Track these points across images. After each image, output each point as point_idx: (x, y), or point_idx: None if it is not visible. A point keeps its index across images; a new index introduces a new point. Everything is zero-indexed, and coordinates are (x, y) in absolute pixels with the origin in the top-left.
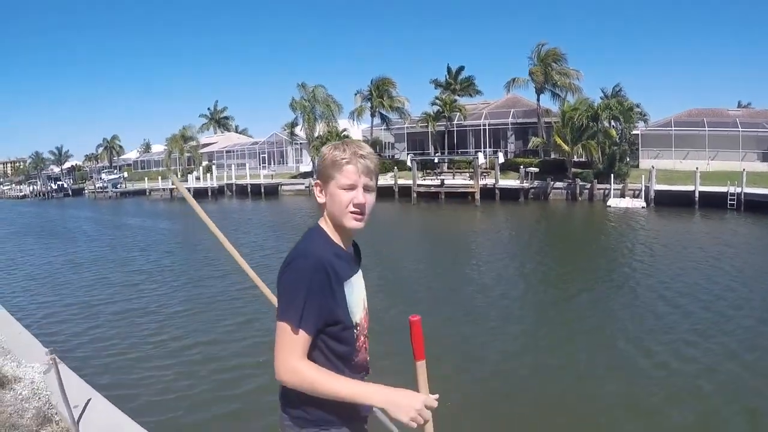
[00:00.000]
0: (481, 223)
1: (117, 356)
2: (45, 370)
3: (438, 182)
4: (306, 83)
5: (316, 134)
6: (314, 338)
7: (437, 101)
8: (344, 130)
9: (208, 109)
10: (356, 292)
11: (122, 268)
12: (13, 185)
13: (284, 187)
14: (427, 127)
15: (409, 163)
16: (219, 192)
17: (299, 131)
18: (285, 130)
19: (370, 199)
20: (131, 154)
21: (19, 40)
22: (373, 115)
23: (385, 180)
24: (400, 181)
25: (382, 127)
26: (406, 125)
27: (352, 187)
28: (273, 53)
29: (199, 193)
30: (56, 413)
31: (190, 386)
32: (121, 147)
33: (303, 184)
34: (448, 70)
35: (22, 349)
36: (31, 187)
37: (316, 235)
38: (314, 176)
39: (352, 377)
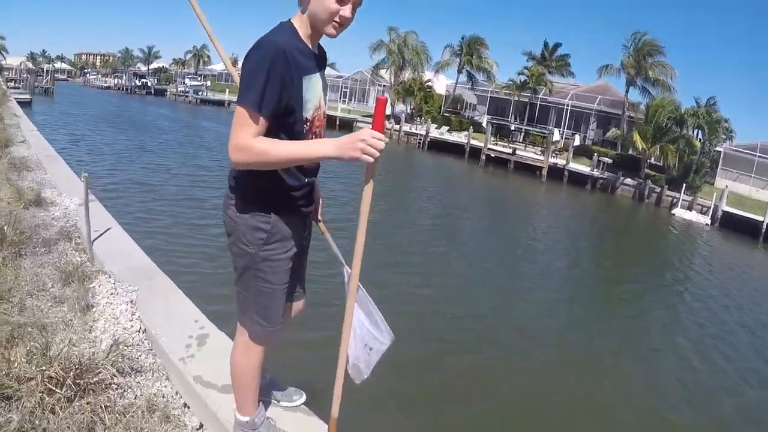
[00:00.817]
0: (544, 199)
1: (144, 205)
2: (80, 203)
3: (509, 150)
4: (396, 27)
5: (400, 79)
6: (268, 126)
7: (525, 71)
8: (428, 81)
9: None
10: (313, 89)
11: (185, 160)
12: (99, 76)
13: (359, 123)
14: (510, 94)
15: (484, 125)
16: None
17: (384, 73)
18: (371, 70)
19: (353, 16)
20: (217, 66)
21: None
22: (459, 72)
23: (459, 138)
24: (473, 142)
25: (467, 86)
26: (490, 89)
27: (345, 2)
28: None
29: None
30: (78, 234)
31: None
32: (209, 57)
33: None
34: (545, 44)
35: (68, 186)
36: (115, 81)
37: (286, 28)
38: None
39: (303, 170)
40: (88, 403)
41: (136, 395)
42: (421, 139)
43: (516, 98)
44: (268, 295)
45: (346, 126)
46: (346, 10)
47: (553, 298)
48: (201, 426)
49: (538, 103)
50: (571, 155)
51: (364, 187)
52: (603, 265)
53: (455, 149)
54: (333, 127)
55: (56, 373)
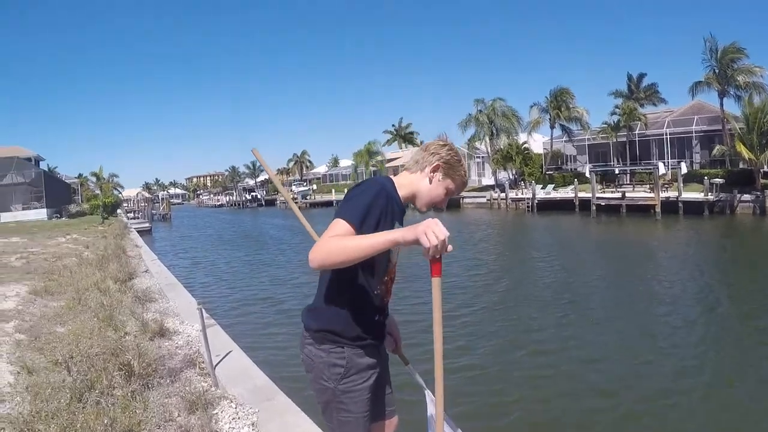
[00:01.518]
0: (662, 238)
1: (263, 321)
2: (200, 330)
3: (618, 195)
4: (483, 98)
5: (497, 147)
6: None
7: (617, 110)
8: (525, 143)
9: (393, 125)
10: None
11: (303, 270)
12: (211, 195)
13: (466, 200)
14: (607, 137)
15: (587, 175)
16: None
17: (480, 145)
18: (466, 144)
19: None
20: (320, 169)
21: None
22: (552, 127)
23: (566, 193)
24: (581, 194)
25: (563, 139)
26: (586, 136)
27: (449, 195)
28: (455, 68)
29: None
30: (201, 360)
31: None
32: (310, 162)
33: (484, 197)
34: (629, 77)
35: (189, 314)
36: (227, 198)
37: (389, 181)
38: (438, 158)
39: (374, 309)
40: None
41: None
42: (528, 203)
43: (614, 140)
44: (351, 424)
45: (452, 204)
46: (444, 203)
47: (697, 355)
48: None
49: (637, 139)
50: (681, 185)
51: (432, 286)
52: (745, 299)
53: (565, 205)
54: (440, 209)
55: None
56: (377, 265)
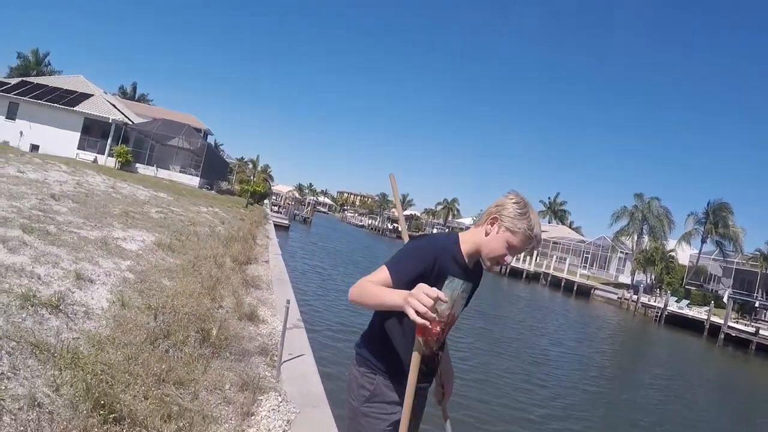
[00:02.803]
0: None
1: (343, 338)
2: (288, 327)
3: (752, 329)
4: (642, 193)
5: (642, 247)
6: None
7: None
8: (671, 250)
9: (548, 198)
10: (451, 291)
11: None
12: (356, 214)
13: (597, 292)
14: (758, 266)
15: (725, 300)
16: (533, 277)
17: (626, 240)
18: (614, 236)
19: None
20: (466, 220)
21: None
22: (703, 242)
23: (699, 313)
24: (713, 319)
25: (711, 256)
26: (736, 260)
27: (513, 250)
28: (619, 159)
29: (515, 273)
30: (275, 352)
31: None
32: (458, 211)
33: (617, 294)
34: None
35: (284, 311)
36: (369, 221)
37: (453, 238)
38: (499, 209)
39: (414, 350)
40: None
41: None
42: (658, 312)
43: (763, 270)
44: None
45: (582, 292)
46: (510, 258)
47: None
48: None
49: None
50: None
51: (412, 355)
52: None
53: (693, 326)
54: (570, 293)
55: None
56: None
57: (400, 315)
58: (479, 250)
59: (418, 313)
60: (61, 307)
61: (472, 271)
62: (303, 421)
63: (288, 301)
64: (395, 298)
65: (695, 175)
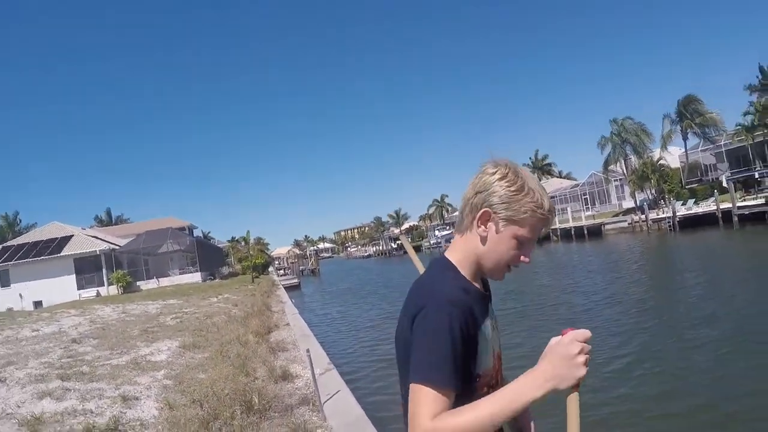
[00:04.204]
0: None
1: (372, 366)
2: (320, 373)
3: (762, 201)
4: (617, 118)
5: (632, 168)
6: None
7: (750, 109)
8: (660, 159)
9: (530, 158)
10: (486, 342)
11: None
12: (359, 247)
13: (607, 227)
14: (744, 140)
15: (725, 184)
16: (544, 237)
17: (616, 167)
18: (603, 168)
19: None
20: None
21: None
22: (684, 139)
23: (708, 206)
24: (722, 205)
25: (699, 149)
26: (723, 142)
27: (526, 242)
28: (590, 89)
29: None
30: (315, 398)
31: None
32: (450, 205)
33: (626, 221)
34: (761, 70)
35: (315, 362)
36: (374, 248)
37: (448, 270)
38: (482, 199)
39: None
40: None
41: None
42: (670, 222)
43: (751, 141)
44: None
45: (594, 233)
46: (526, 256)
47: None
48: None
49: None
50: None
51: (567, 401)
52: None
53: (708, 219)
54: (583, 238)
55: None
56: (473, 376)
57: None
58: (481, 264)
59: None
60: (119, 428)
61: (486, 292)
62: None
63: (308, 350)
64: (525, 395)
65: (663, 84)
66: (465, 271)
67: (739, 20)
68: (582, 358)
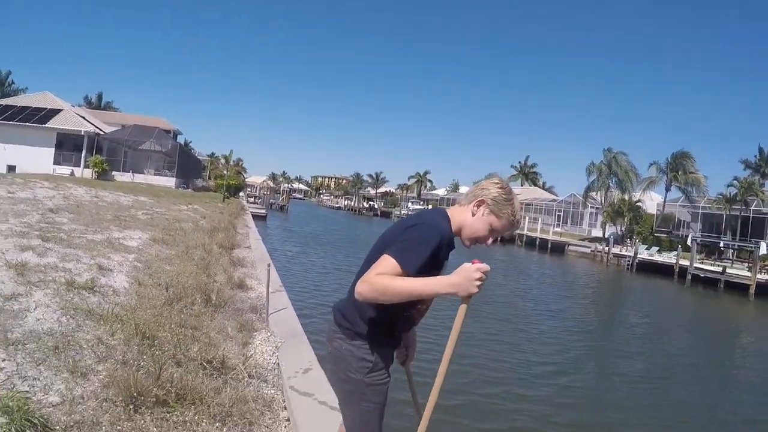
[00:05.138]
0: (744, 319)
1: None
2: (271, 292)
3: (719, 269)
4: (612, 148)
5: (610, 200)
6: None
7: (735, 183)
8: (638, 201)
9: (519, 162)
10: (440, 269)
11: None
12: (332, 197)
13: (571, 247)
14: (722, 209)
15: (689, 242)
16: (509, 239)
17: (596, 195)
18: (584, 192)
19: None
20: (440, 191)
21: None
22: (667, 189)
23: (669, 258)
24: (682, 262)
25: (678, 203)
26: (701, 204)
27: (494, 233)
28: (588, 120)
29: None
30: (264, 309)
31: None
32: (431, 182)
33: (590, 247)
34: (760, 150)
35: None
36: (345, 202)
37: (445, 217)
38: (486, 193)
39: (402, 325)
40: (222, 378)
41: (255, 389)
42: (630, 261)
43: (727, 212)
44: (372, 413)
45: (557, 249)
46: (489, 241)
47: None
48: (288, 419)
49: (751, 215)
50: None
51: (459, 308)
52: None
53: (665, 270)
54: (545, 251)
55: (212, 357)
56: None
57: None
58: (461, 228)
59: (478, 288)
60: (95, 288)
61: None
62: (287, 345)
63: (269, 264)
64: (435, 287)
65: (660, 132)
66: (453, 227)
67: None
68: (478, 282)
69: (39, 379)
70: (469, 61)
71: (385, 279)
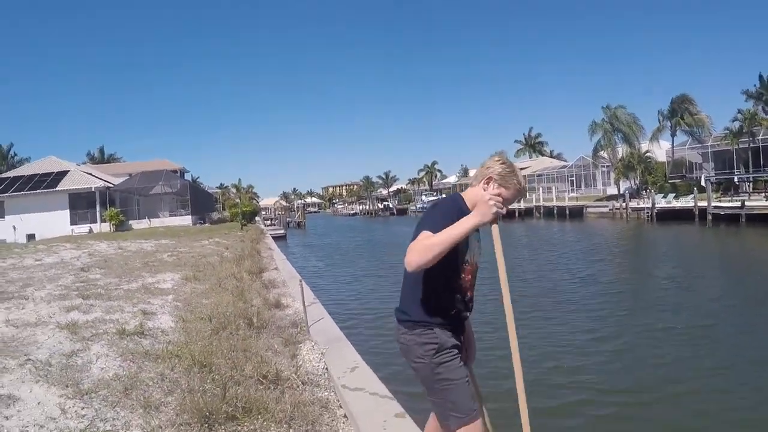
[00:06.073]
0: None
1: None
2: (307, 305)
3: (738, 203)
4: (610, 105)
5: (619, 156)
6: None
7: (738, 115)
8: (647, 151)
9: (524, 134)
10: (470, 243)
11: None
12: (346, 204)
13: (588, 210)
14: (730, 144)
15: (702, 183)
16: (527, 213)
17: (604, 154)
18: (592, 153)
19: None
20: (450, 179)
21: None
22: (673, 135)
23: (687, 202)
24: (701, 203)
25: (687, 146)
26: (709, 143)
27: (506, 202)
28: (585, 79)
29: (508, 214)
30: (303, 323)
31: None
32: (440, 171)
33: (607, 206)
34: (760, 78)
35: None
36: (360, 207)
37: (461, 199)
38: (491, 171)
39: (456, 300)
40: (279, 389)
41: (310, 393)
42: (648, 212)
43: (736, 146)
44: (455, 390)
45: (575, 214)
46: (504, 210)
47: None
48: (345, 416)
49: (760, 145)
50: None
51: (492, 231)
52: None
53: (685, 215)
54: (564, 218)
55: (266, 371)
56: (453, 263)
57: (440, 268)
58: (477, 205)
59: (497, 209)
60: (145, 332)
61: None
62: (331, 350)
63: (301, 280)
64: (466, 224)
65: (661, 77)
66: (468, 205)
67: (746, 22)
68: (493, 203)
69: (118, 419)
70: (461, 43)
71: (424, 240)
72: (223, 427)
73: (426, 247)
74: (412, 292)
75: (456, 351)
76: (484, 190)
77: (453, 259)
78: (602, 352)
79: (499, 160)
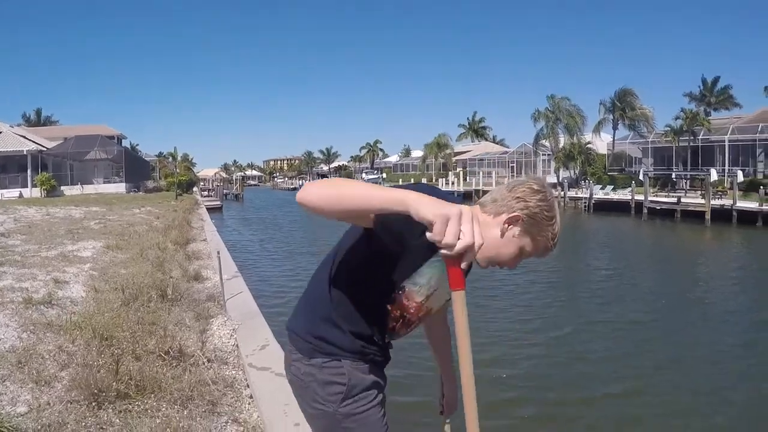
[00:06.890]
0: (707, 246)
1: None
2: (227, 279)
3: (674, 199)
4: (555, 94)
5: (560, 146)
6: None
7: (680, 114)
8: (588, 143)
9: (467, 119)
10: (431, 274)
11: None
12: (287, 179)
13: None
14: (671, 141)
15: (641, 177)
16: (466, 196)
17: (546, 142)
18: (534, 141)
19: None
20: (392, 158)
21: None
22: (615, 128)
23: (624, 195)
24: (637, 197)
25: (627, 140)
26: (650, 139)
27: (522, 257)
28: (532, 67)
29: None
30: (221, 297)
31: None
32: (382, 150)
33: None
34: (703, 81)
35: (225, 269)
36: (300, 182)
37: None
38: (523, 206)
39: (372, 334)
40: (182, 366)
41: (216, 372)
42: (586, 203)
43: (676, 144)
44: None
45: None
46: (512, 266)
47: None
48: (251, 396)
49: (700, 144)
50: (737, 193)
51: (453, 301)
52: None
53: (621, 207)
54: None
55: (169, 347)
56: (382, 277)
57: (367, 264)
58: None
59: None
60: (53, 302)
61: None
62: (244, 327)
63: (218, 252)
64: (399, 196)
65: (606, 70)
66: None
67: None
68: (453, 226)
69: (5, 394)
70: (408, 26)
71: (341, 180)
72: (112, 405)
73: (334, 186)
74: (322, 298)
75: (376, 392)
76: (502, 233)
77: (385, 271)
78: (536, 344)
79: (539, 193)
